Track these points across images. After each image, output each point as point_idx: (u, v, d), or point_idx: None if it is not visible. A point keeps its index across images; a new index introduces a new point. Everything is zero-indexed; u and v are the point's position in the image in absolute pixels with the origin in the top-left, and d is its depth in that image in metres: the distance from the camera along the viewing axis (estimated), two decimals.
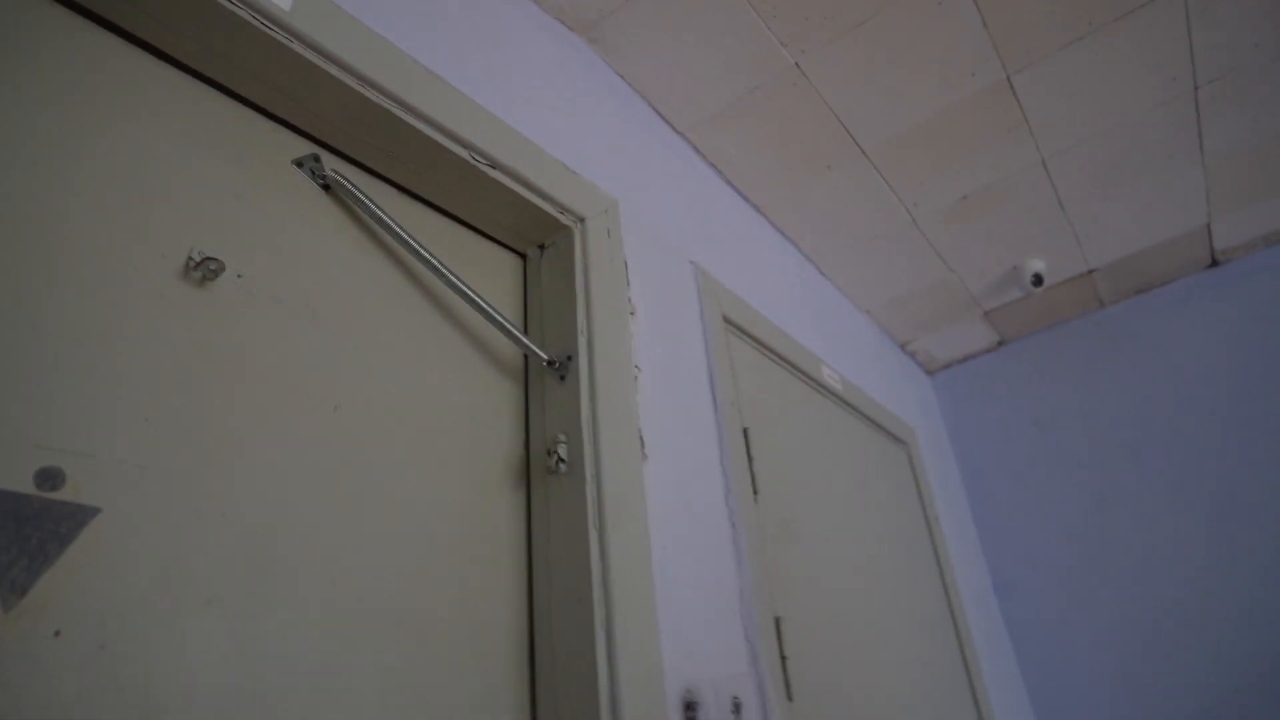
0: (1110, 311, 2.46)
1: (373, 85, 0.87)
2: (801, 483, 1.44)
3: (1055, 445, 2.42)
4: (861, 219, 1.90)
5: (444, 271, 0.92)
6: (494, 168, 1.01)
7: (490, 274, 1.10)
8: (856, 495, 1.67)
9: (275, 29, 0.78)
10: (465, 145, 0.97)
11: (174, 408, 0.66)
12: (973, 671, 1.85)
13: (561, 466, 0.95)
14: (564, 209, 1.10)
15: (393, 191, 1.00)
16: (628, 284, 1.17)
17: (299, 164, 0.89)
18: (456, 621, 0.82)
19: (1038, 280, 2.17)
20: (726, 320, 1.40)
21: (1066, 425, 2.41)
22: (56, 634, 0.55)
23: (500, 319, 0.96)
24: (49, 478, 0.59)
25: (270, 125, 0.87)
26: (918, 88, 1.54)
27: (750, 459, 1.27)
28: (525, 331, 1.10)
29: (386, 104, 0.89)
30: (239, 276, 0.76)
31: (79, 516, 0.60)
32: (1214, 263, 2.32)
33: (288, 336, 0.78)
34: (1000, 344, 2.60)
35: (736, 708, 1.00)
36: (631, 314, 1.14)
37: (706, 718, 0.95)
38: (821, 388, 1.70)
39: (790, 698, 1.11)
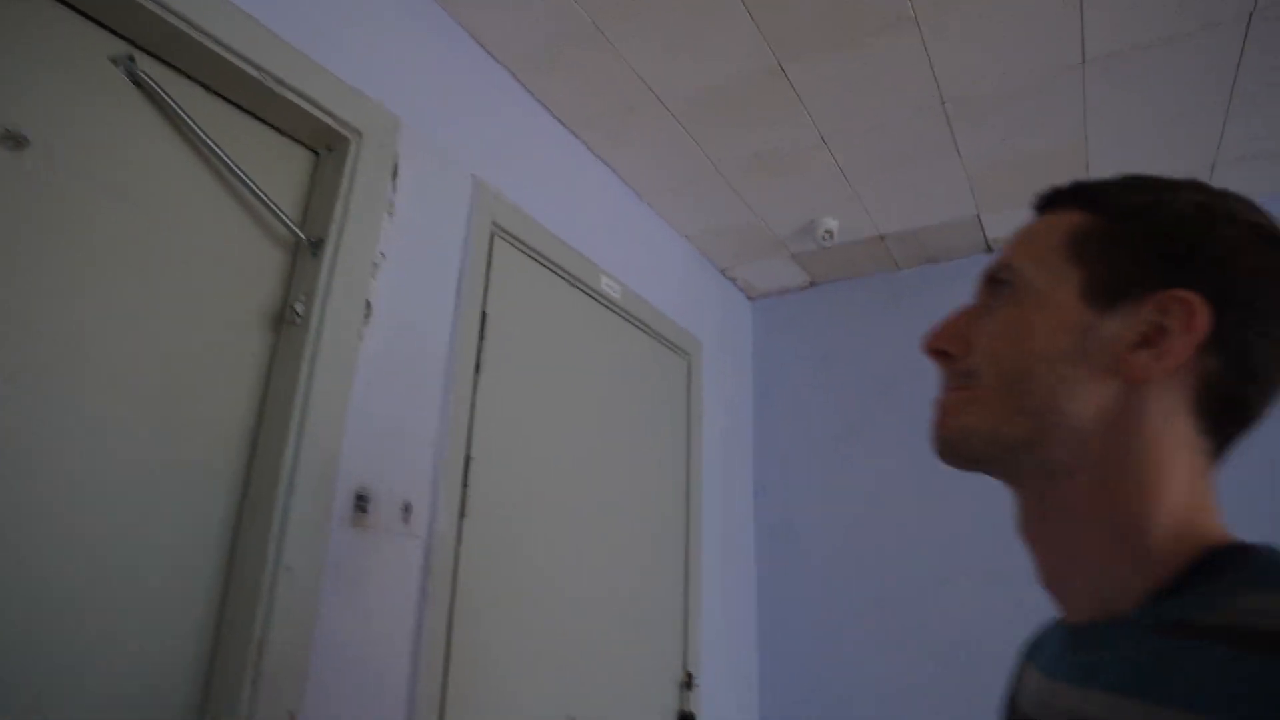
0: (902, 274, 2.87)
1: (169, 9, 1.16)
2: (539, 367, 1.84)
3: (833, 378, 2.87)
4: (673, 160, 2.22)
5: (229, 162, 1.25)
6: (283, 86, 1.32)
7: (286, 166, 1.42)
8: (605, 389, 2.08)
9: None
10: (254, 66, 1.27)
11: None
12: (691, 551, 2.33)
13: (297, 320, 1.32)
14: (344, 124, 1.42)
15: (202, 91, 1.30)
16: (394, 190, 1.50)
17: (114, 61, 1.19)
18: (208, 417, 1.20)
19: (830, 235, 2.55)
20: (497, 226, 1.75)
21: (845, 363, 2.86)
22: None
23: (270, 202, 1.30)
24: None
25: (89, 24, 1.16)
26: (704, 58, 1.84)
27: (482, 339, 1.65)
28: (305, 218, 1.43)
29: (184, 27, 1.19)
30: (48, 147, 1.08)
31: None
32: (989, 249, 2.72)
33: (95, 207, 1.11)
34: (812, 284, 3.00)
35: (406, 508, 1.42)
36: (390, 214, 1.49)
37: (377, 510, 1.37)
38: (597, 295, 2.08)
39: (464, 515, 1.54)
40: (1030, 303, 0.55)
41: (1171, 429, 0.50)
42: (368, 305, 1.41)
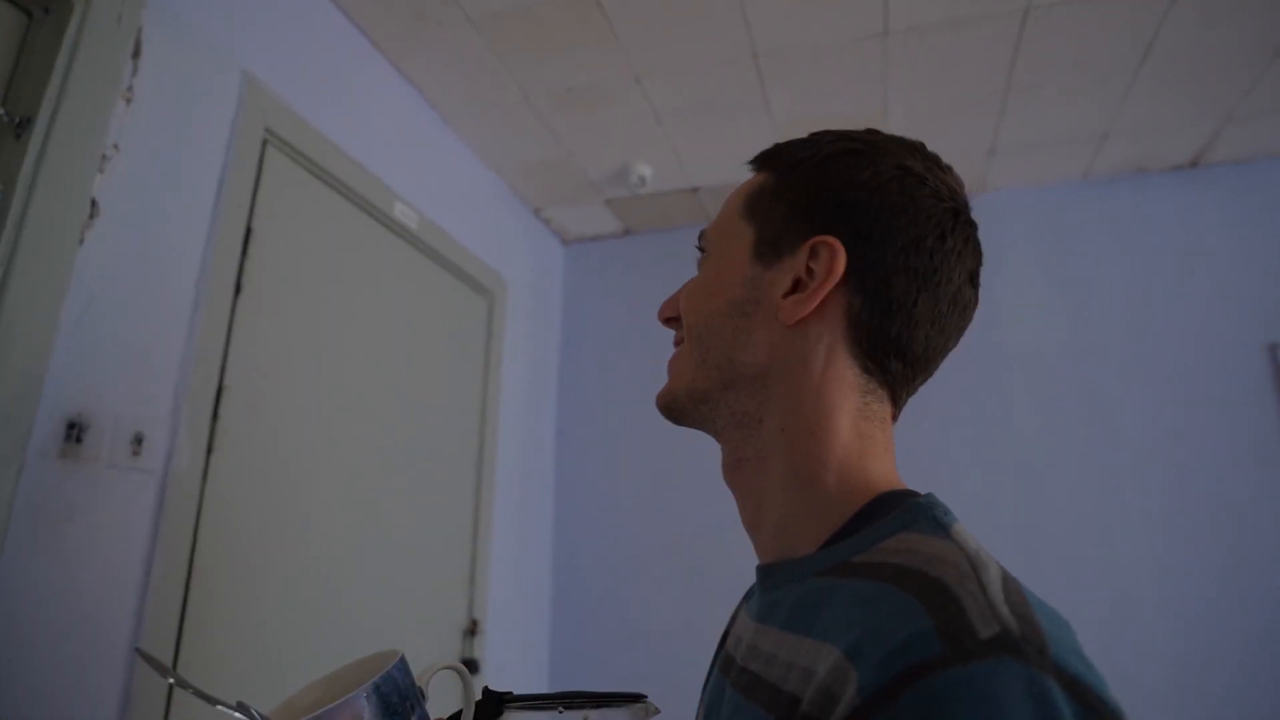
0: None
1: None
2: (315, 295, 1.67)
3: (641, 329, 2.87)
4: (481, 83, 2.09)
5: None
6: None
7: None
8: (392, 322, 1.94)
9: None
10: None
11: None
12: (483, 497, 2.26)
13: None
14: None
15: None
16: (134, 72, 1.28)
17: None
18: None
19: (642, 181, 2.52)
20: (271, 133, 1.55)
21: (648, 313, 2.86)
22: None
23: None
24: None
25: None
26: None
27: (244, 257, 1.47)
28: (8, 88, 1.19)
29: None
30: None
31: None
32: None
33: None
34: (626, 232, 2.98)
35: (138, 440, 1.25)
36: (127, 100, 1.27)
37: (98, 441, 1.19)
38: (390, 221, 1.92)
39: (212, 449, 1.37)
40: (714, 264, 0.59)
41: (834, 371, 0.52)
42: (93, 203, 1.20)
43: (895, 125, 2.26)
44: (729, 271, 0.57)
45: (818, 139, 0.58)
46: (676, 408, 0.60)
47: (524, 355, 2.65)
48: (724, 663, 0.57)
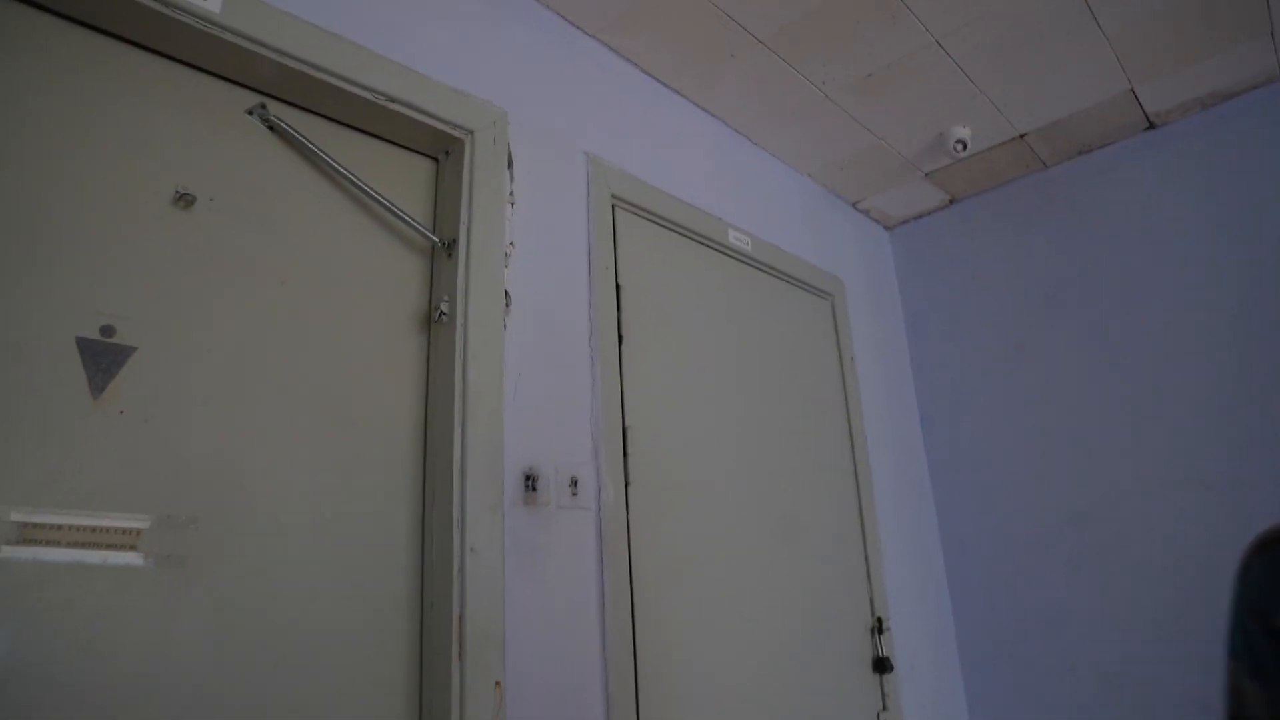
0: (1052, 172, 2.64)
1: (286, 54, 1.25)
2: (679, 330, 1.84)
3: (988, 296, 2.70)
4: (778, 96, 2.15)
5: (358, 182, 1.33)
6: (393, 102, 1.39)
7: (409, 176, 1.50)
8: (750, 341, 2.06)
9: (211, 26, 1.17)
10: (366, 89, 1.35)
11: (172, 288, 1.13)
12: (864, 495, 2.28)
13: (444, 318, 1.39)
14: (455, 125, 1.47)
15: (327, 123, 1.40)
16: (510, 180, 1.55)
17: (250, 112, 1.30)
18: (380, 419, 1.30)
19: (963, 145, 2.39)
20: (616, 198, 1.76)
21: (999, 278, 2.68)
22: (120, 412, 1.05)
23: (400, 213, 1.38)
24: (108, 330, 1.07)
25: (225, 84, 1.27)
26: None
27: (619, 309, 1.68)
28: (435, 221, 1.51)
29: (302, 68, 1.27)
30: (210, 200, 1.20)
31: (125, 351, 1.08)
32: (1151, 125, 2.45)
33: (253, 246, 1.22)
34: (951, 202, 2.83)
35: (574, 483, 1.48)
36: (511, 204, 1.53)
37: (546, 487, 1.43)
38: (727, 249, 2.06)
39: (629, 482, 1.58)
40: None
41: None
42: (506, 294, 1.47)
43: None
44: None
45: None
46: None
47: (873, 347, 2.63)
48: None
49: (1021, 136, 2.46)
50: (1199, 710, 2.05)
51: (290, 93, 1.33)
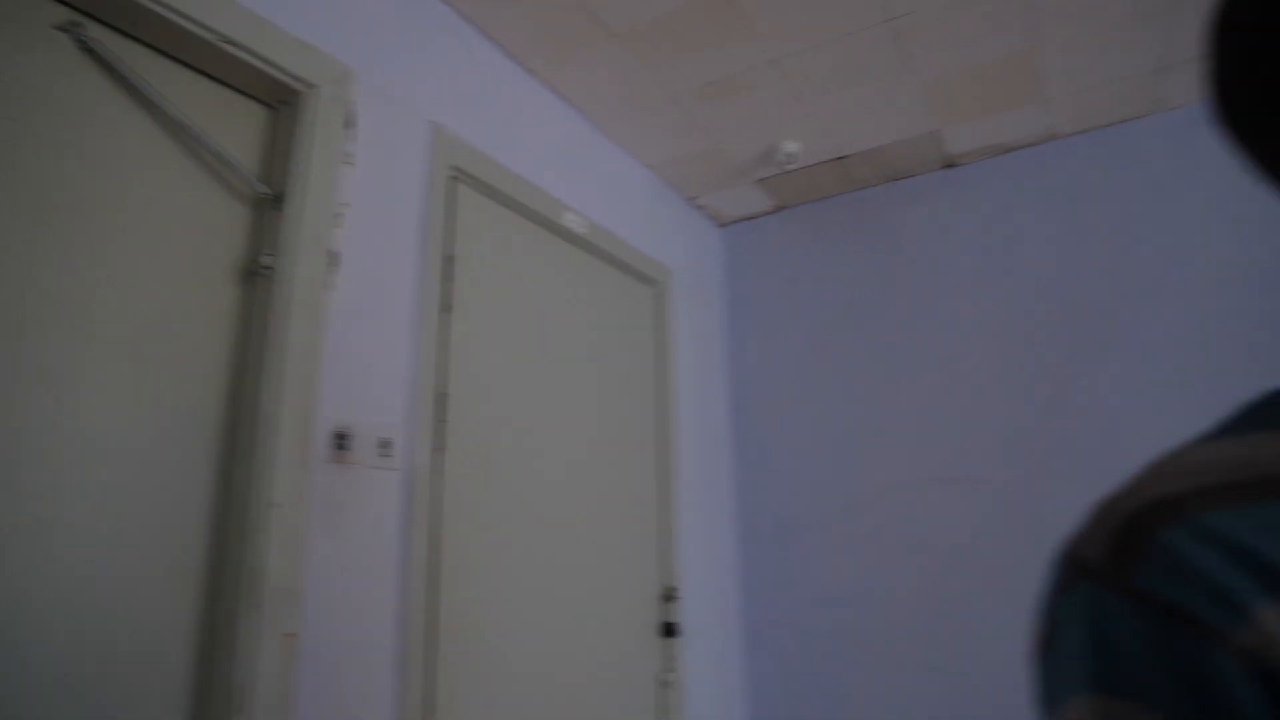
0: (866, 193, 2.92)
1: None
2: (510, 305, 1.91)
3: (800, 298, 2.95)
4: (628, 90, 2.25)
5: (182, 120, 1.29)
6: (231, 44, 1.35)
7: (242, 123, 1.46)
8: (577, 321, 2.16)
9: None
10: (202, 26, 1.30)
11: None
12: (669, 473, 2.45)
13: (266, 273, 1.38)
14: (296, 77, 1.45)
15: (156, 56, 1.33)
16: (351, 140, 1.54)
17: (61, 29, 1.22)
18: (186, 367, 1.27)
19: (791, 159, 2.59)
20: (458, 169, 1.79)
21: (811, 283, 2.93)
22: None
23: (228, 158, 1.35)
24: None
25: None
26: None
27: (450, 280, 1.72)
28: (267, 172, 1.48)
29: None
30: (12, 121, 1.13)
31: None
32: (950, 164, 2.76)
33: (52, 164, 1.16)
34: (778, 208, 3.05)
35: (386, 444, 1.52)
36: (350, 164, 1.53)
37: (358, 447, 1.46)
38: (562, 230, 2.13)
39: (442, 448, 1.63)
40: None
41: None
42: (334, 255, 1.47)
43: (1050, 60, 2.20)
44: None
45: None
46: None
47: (693, 335, 2.81)
48: None
49: (842, 158, 2.70)
50: (930, 672, 2.41)
51: (114, 16, 1.26)
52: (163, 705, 1.18)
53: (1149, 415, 2.32)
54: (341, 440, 1.43)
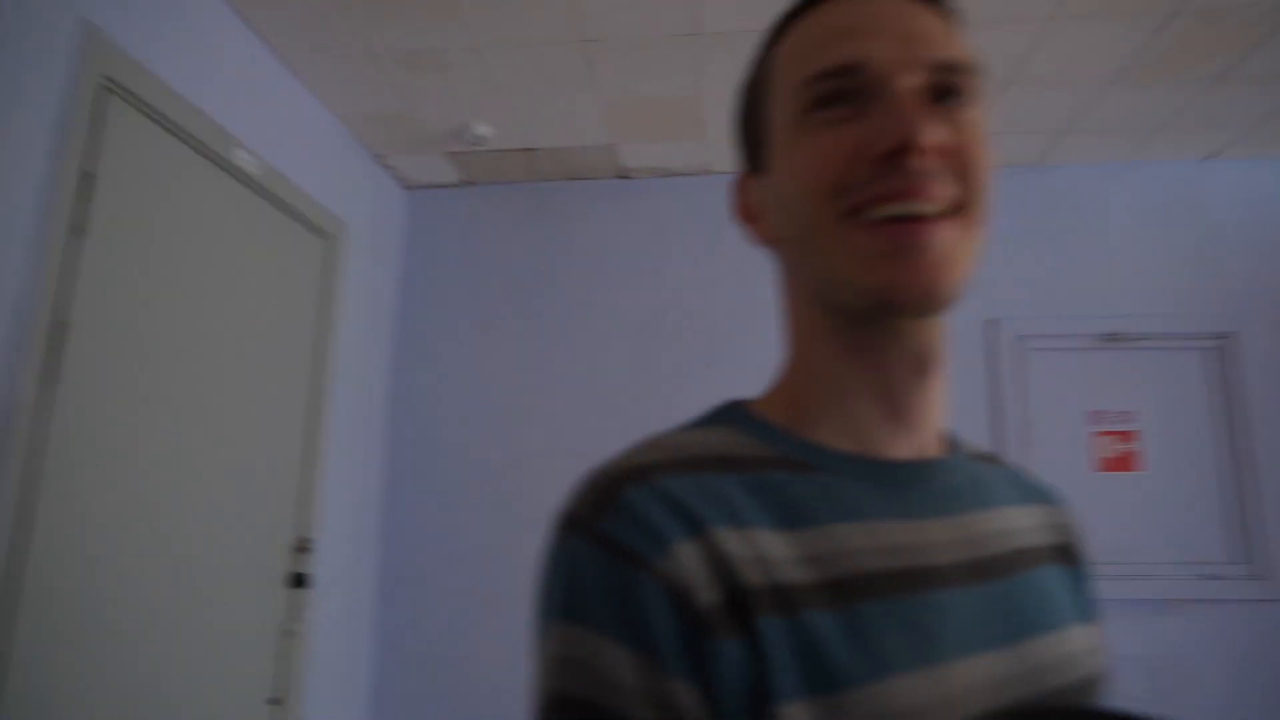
0: (550, 185, 3.13)
1: None
2: (159, 237, 1.79)
3: (475, 273, 3.08)
4: (326, 36, 2.19)
5: None
6: None
7: None
8: (234, 264, 2.07)
9: None
10: None
11: None
12: (315, 425, 2.44)
13: None
14: None
15: None
16: None
17: None
18: None
19: (481, 141, 2.71)
20: (111, 80, 1.64)
21: (487, 260, 3.08)
22: None
23: None
24: None
25: None
26: None
27: (89, 200, 1.58)
28: None
29: None
30: None
31: None
32: (622, 176, 3.07)
33: None
34: (465, 183, 3.15)
35: None
36: None
37: None
38: (230, 167, 2.03)
39: (56, 380, 1.51)
40: (980, 118, 0.46)
41: None
42: None
43: (711, 107, 2.56)
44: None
45: None
46: (950, 305, 0.45)
47: (364, 294, 2.81)
48: (909, 580, 0.44)
49: (530, 150, 2.88)
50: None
51: None
52: None
53: None
54: None
